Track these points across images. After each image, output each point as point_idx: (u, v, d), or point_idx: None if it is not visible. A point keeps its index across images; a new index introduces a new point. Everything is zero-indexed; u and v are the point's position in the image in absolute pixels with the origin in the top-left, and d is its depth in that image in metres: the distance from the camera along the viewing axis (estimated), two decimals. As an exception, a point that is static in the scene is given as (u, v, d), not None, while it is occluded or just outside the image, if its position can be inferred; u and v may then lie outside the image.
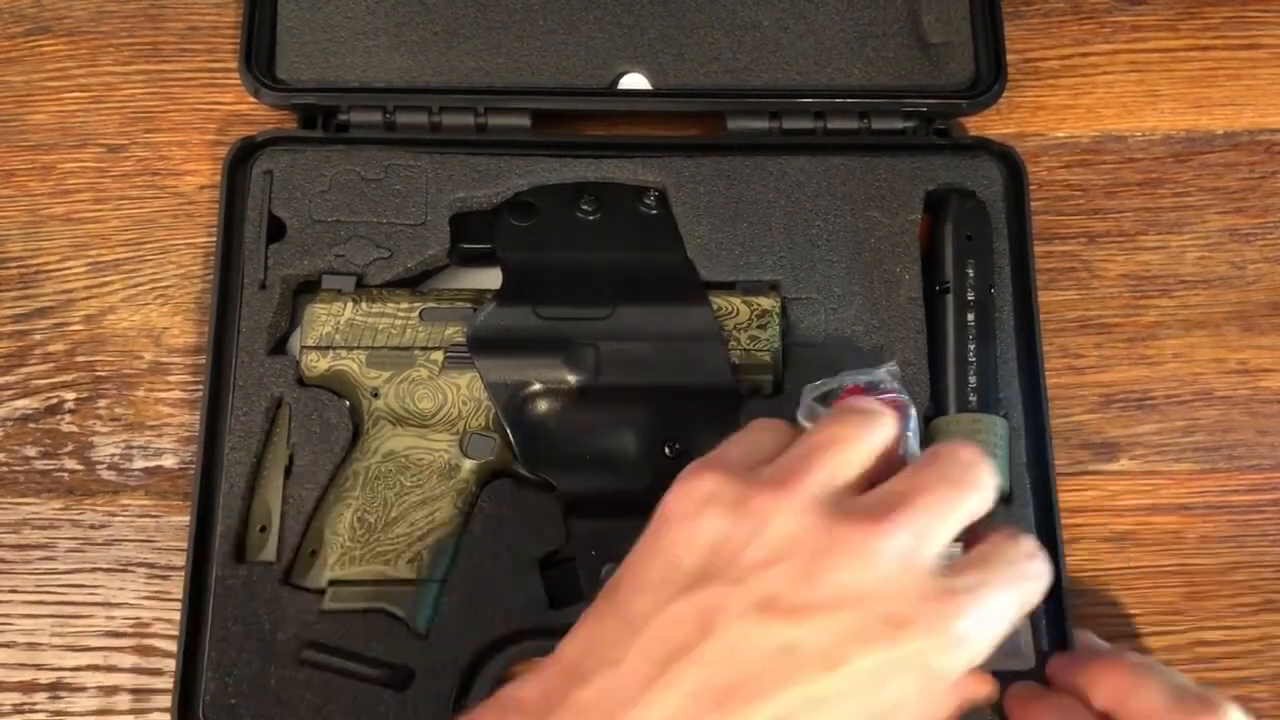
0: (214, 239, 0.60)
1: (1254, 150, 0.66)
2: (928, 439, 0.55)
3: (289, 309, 0.59)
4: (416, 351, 0.57)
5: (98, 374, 0.60)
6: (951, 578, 0.37)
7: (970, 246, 0.59)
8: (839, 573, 0.36)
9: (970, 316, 0.58)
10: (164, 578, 0.57)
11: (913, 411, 0.54)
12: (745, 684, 0.35)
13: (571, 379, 0.56)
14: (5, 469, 0.59)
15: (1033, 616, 0.54)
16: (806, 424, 0.53)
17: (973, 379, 0.57)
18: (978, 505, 0.39)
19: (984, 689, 0.39)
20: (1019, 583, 0.38)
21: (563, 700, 0.36)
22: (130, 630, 0.56)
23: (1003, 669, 0.43)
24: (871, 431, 0.40)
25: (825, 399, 0.55)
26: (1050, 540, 0.55)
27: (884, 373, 0.54)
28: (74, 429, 0.59)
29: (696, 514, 0.38)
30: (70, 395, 0.60)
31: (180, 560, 0.56)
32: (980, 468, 0.39)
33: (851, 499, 0.39)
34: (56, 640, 0.56)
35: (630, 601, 0.38)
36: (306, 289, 0.60)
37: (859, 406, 0.41)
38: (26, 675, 0.56)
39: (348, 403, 0.57)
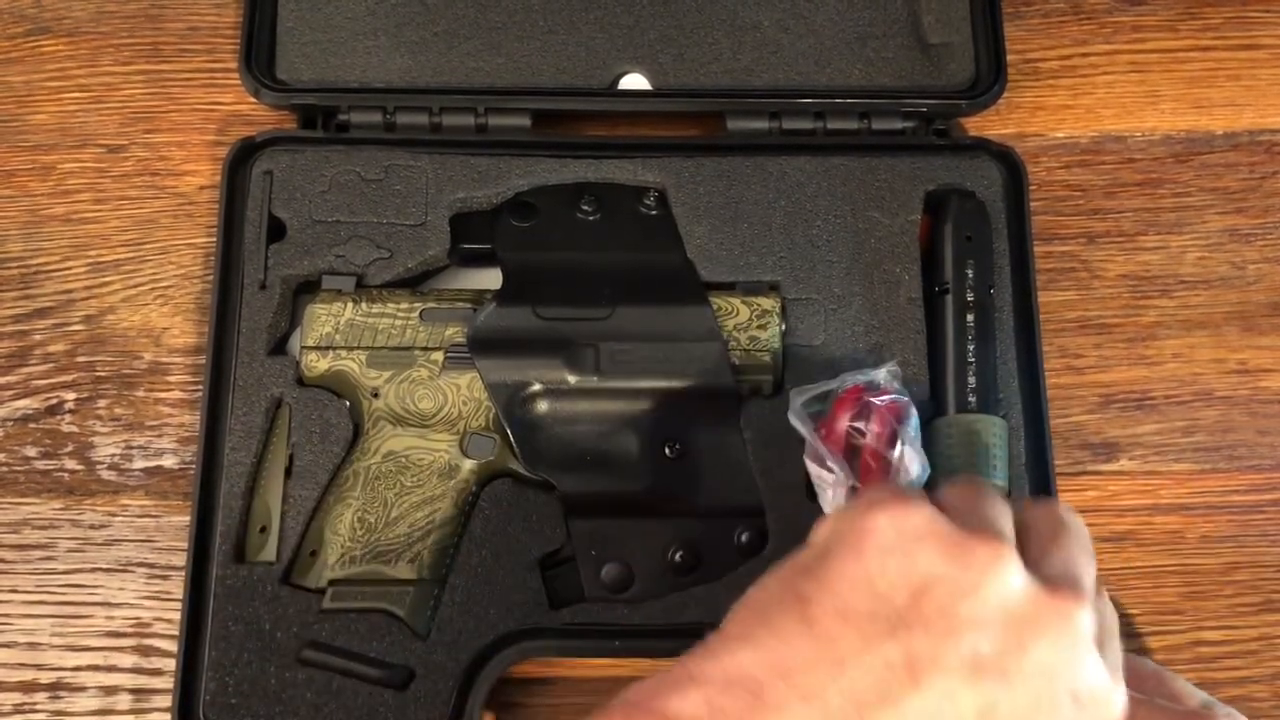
0: (214, 239, 0.60)
1: (1254, 150, 0.66)
2: (927, 439, 0.55)
3: (289, 309, 0.59)
4: (417, 352, 0.57)
5: (98, 374, 0.60)
6: (1108, 656, 0.38)
7: (970, 247, 0.59)
8: (1044, 643, 0.36)
9: (970, 317, 0.58)
10: (164, 578, 0.57)
11: (913, 411, 0.54)
12: None
13: (571, 379, 0.56)
14: (5, 469, 0.59)
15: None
16: (799, 425, 0.53)
17: (972, 379, 0.57)
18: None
19: None
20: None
21: None
22: (130, 630, 0.56)
23: None
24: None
25: (825, 398, 0.55)
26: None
27: (884, 373, 0.55)
28: (74, 429, 0.59)
29: (909, 549, 0.37)
30: (70, 395, 0.60)
31: (180, 560, 0.56)
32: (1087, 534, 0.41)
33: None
34: (56, 640, 0.56)
35: (832, 630, 0.36)
36: (306, 289, 0.60)
37: (990, 489, 0.41)
38: (27, 675, 0.56)
39: (348, 403, 0.57)
